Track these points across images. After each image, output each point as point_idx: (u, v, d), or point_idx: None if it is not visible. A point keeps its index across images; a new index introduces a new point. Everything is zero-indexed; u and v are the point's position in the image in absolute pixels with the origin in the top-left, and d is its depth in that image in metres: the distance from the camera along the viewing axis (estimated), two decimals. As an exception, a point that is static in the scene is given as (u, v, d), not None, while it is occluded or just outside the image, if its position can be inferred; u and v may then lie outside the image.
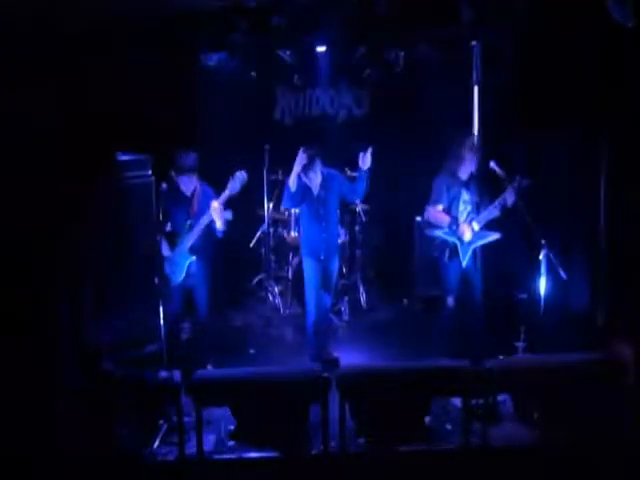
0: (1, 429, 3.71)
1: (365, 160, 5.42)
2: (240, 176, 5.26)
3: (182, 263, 5.32)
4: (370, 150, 5.42)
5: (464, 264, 5.35)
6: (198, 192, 5.40)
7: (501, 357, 4.70)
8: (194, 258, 5.33)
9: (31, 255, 3.81)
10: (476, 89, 7.36)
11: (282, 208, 6.61)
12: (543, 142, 5.87)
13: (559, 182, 5.58)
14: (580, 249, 5.61)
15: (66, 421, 3.88)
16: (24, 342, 3.78)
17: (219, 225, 5.28)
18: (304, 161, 5.40)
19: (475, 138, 5.42)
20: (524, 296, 6.42)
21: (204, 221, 5.28)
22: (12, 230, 3.79)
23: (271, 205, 7.04)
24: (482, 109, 7.21)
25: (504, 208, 5.21)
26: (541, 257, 4.94)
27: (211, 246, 5.50)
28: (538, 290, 4.99)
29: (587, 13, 4.90)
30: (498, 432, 4.26)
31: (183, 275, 5.33)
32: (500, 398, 4.63)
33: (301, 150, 5.42)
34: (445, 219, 5.37)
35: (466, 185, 5.39)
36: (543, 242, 4.93)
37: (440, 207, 5.40)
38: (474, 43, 6.98)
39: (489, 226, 5.37)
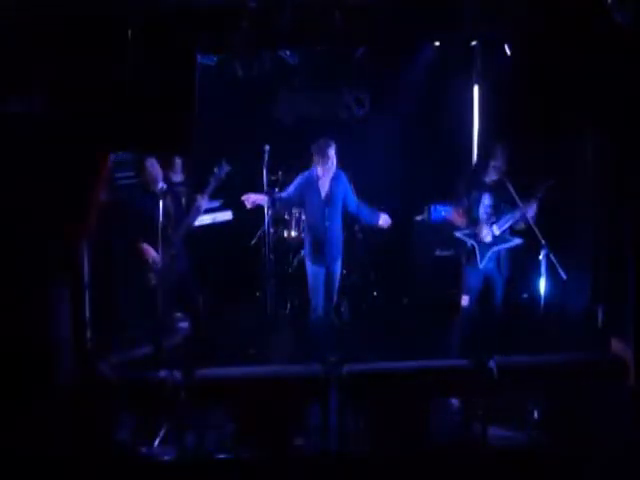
0: (1, 431, 3.71)
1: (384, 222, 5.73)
2: (223, 168, 5.28)
3: (171, 264, 5.30)
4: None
5: (481, 266, 5.36)
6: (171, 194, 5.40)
7: (501, 357, 4.69)
8: (182, 258, 5.34)
9: (29, 256, 3.80)
10: (476, 89, 7.37)
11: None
12: (543, 142, 5.87)
13: (559, 182, 5.57)
14: (580, 249, 5.60)
15: (66, 421, 3.87)
16: (23, 344, 3.78)
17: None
18: (265, 203, 5.61)
19: (502, 146, 5.45)
20: (524, 296, 6.42)
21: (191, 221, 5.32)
22: (11, 230, 3.79)
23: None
24: (482, 109, 7.22)
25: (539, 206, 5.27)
26: (541, 257, 4.94)
27: (201, 246, 5.53)
28: (538, 290, 4.99)
29: (588, 13, 4.90)
30: (498, 432, 4.26)
31: (176, 276, 5.31)
32: (499, 397, 4.62)
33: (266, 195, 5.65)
34: (462, 221, 5.44)
35: (489, 189, 5.41)
36: (543, 242, 4.93)
37: (459, 209, 5.50)
38: (474, 43, 6.99)
39: (514, 232, 5.41)
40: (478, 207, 5.42)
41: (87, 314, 4.73)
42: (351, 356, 5.64)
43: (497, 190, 5.41)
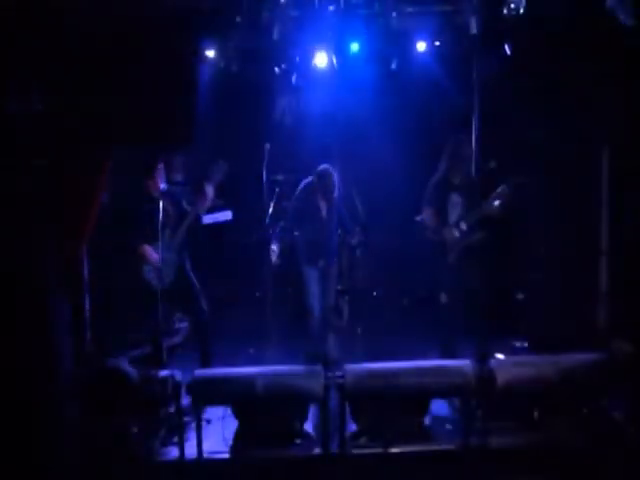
0: (2, 431, 3.71)
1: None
2: (221, 166, 5.27)
3: (171, 265, 5.28)
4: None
5: (451, 263, 5.37)
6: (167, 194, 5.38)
7: (501, 357, 4.70)
8: (183, 258, 5.31)
9: (29, 257, 3.80)
10: (476, 88, 7.37)
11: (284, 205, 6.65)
12: (543, 141, 5.87)
13: (559, 181, 5.58)
14: (580, 249, 5.61)
15: (67, 422, 3.88)
16: (25, 344, 3.78)
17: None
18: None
19: (468, 142, 5.46)
20: (524, 296, 6.42)
21: (190, 219, 5.29)
22: (11, 231, 3.79)
23: (271, 205, 7.03)
24: (481, 106, 7.22)
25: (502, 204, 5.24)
26: (541, 257, 4.95)
27: (201, 246, 5.51)
28: (538, 290, 5.00)
29: (588, 12, 4.90)
30: (498, 432, 4.26)
31: (173, 276, 5.28)
32: (499, 398, 4.63)
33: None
34: (433, 220, 5.44)
35: (457, 188, 5.41)
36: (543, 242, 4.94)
37: (431, 209, 5.48)
38: (475, 39, 6.99)
39: (480, 225, 5.40)
40: (447, 206, 5.44)
41: (87, 315, 4.75)
42: (351, 356, 5.66)
43: (464, 187, 5.42)
